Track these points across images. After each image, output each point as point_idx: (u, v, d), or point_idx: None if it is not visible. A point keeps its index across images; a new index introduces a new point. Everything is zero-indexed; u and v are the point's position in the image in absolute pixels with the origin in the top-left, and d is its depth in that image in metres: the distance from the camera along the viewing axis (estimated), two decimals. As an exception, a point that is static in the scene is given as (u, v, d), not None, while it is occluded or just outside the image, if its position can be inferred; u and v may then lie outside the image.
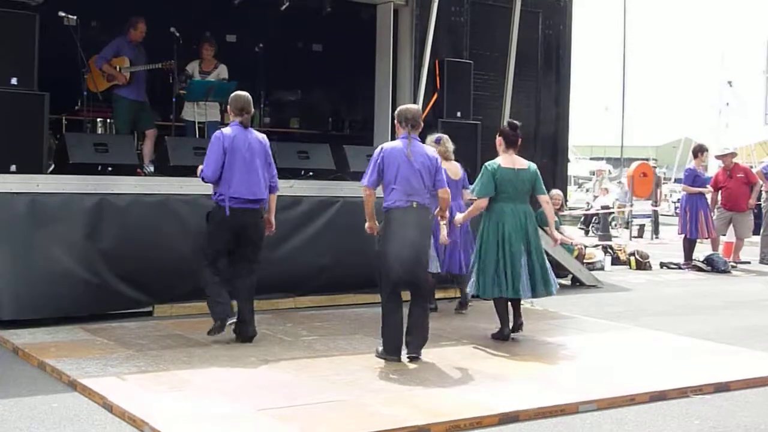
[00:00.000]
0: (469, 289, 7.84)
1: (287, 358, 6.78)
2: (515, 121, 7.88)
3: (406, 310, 6.83)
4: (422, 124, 7.07)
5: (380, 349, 6.79)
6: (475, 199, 7.72)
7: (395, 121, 7.01)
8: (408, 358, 6.74)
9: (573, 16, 13.69)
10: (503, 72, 11.73)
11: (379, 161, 6.76)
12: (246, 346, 7.15)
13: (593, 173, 29.96)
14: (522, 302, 9.31)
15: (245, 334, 7.31)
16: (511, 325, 7.75)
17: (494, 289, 7.54)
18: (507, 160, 7.68)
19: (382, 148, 6.86)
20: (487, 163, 7.70)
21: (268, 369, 6.41)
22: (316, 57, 13.29)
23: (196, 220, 8.45)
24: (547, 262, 7.79)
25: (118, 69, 10.30)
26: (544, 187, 7.89)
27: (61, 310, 7.89)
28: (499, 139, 7.78)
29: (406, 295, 6.85)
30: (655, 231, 21.12)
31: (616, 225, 22.93)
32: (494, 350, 7.30)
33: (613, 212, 22.94)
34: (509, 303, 7.79)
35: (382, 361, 6.69)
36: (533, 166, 7.81)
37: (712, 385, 6.26)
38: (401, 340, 6.76)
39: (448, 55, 11.47)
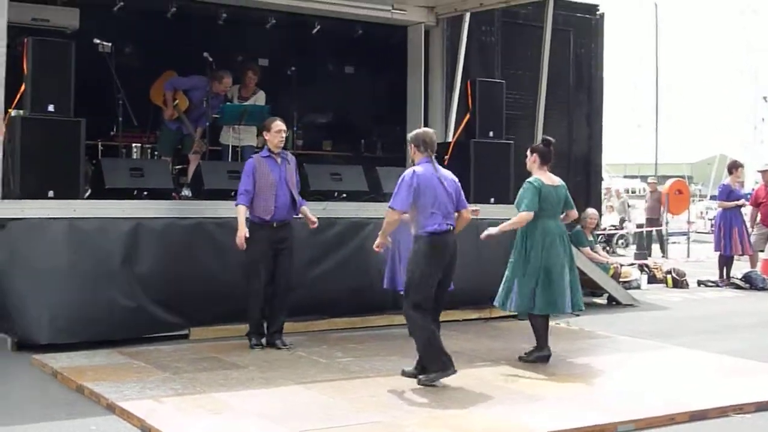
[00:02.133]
0: (514, 307, 7.75)
1: (322, 380, 6.79)
2: (549, 138, 7.87)
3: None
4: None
5: (422, 377, 6.67)
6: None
7: (412, 145, 6.95)
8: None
9: (605, 33, 13.69)
10: (535, 91, 11.71)
11: (415, 186, 6.70)
12: (282, 368, 7.18)
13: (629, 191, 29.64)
14: (557, 323, 9.32)
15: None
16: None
17: (544, 305, 7.50)
18: (545, 177, 7.71)
19: (414, 172, 6.78)
20: (531, 179, 7.69)
21: (304, 391, 6.42)
22: (348, 79, 13.34)
23: (230, 243, 8.51)
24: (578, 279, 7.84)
25: (174, 103, 10.47)
26: (573, 202, 7.94)
27: (98, 334, 7.94)
28: (533, 156, 7.75)
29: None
30: (661, 248, 20.66)
31: (622, 244, 22.57)
32: (530, 370, 7.26)
33: (619, 232, 22.67)
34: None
35: (416, 382, 6.63)
36: (563, 182, 7.88)
37: (754, 404, 6.19)
38: (447, 356, 6.65)
39: (480, 75, 11.49)
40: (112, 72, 9.76)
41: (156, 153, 11.00)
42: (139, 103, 10.53)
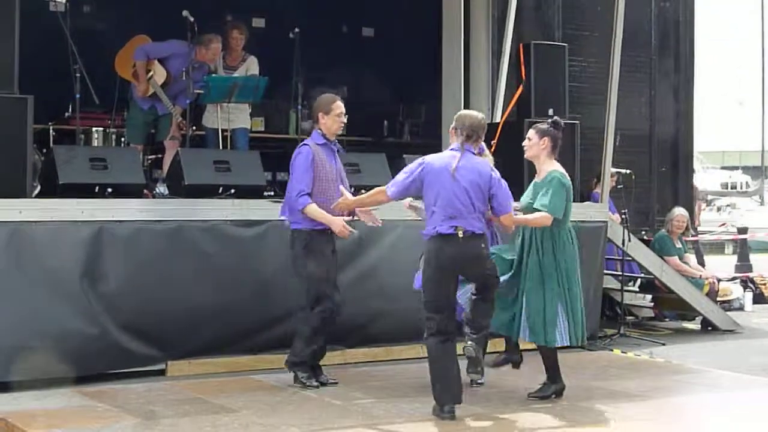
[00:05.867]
0: (561, 338, 7.75)
1: (337, 427, 6.82)
2: (557, 118, 7.93)
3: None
4: (482, 138, 7.25)
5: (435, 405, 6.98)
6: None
7: (452, 128, 7.20)
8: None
9: (696, -18, 13.68)
10: (606, 57, 11.70)
11: (416, 175, 6.95)
12: (286, 412, 7.21)
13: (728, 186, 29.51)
14: (637, 354, 9.33)
15: None
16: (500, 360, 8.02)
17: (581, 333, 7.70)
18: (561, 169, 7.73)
19: (423, 161, 7.04)
20: (559, 174, 7.62)
21: (314, 441, 6.46)
22: (367, 44, 13.38)
23: (217, 253, 8.54)
24: None
25: (148, 76, 10.48)
26: None
27: (51, 370, 7.97)
28: (544, 140, 7.64)
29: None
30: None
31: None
32: (600, 411, 7.27)
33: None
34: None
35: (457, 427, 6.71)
36: None
37: None
38: (458, 389, 6.91)
39: (536, 38, 11.50)
40: (67, 36, 9.79)
41: (123, 139, 11.06)
42: (101, 76, 10.56)
